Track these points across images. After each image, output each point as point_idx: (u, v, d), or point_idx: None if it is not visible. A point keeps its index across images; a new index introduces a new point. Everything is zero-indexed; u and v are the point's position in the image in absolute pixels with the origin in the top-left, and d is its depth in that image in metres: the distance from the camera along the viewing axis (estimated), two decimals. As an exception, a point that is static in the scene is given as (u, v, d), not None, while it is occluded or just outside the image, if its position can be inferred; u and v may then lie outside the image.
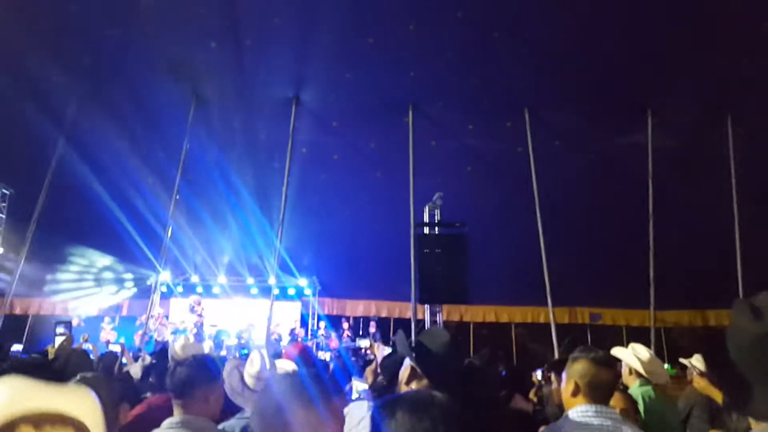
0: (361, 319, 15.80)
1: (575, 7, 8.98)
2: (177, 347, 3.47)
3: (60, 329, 7.72)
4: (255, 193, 12.64)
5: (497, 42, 9.66)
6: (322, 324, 15.13)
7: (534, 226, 10.93)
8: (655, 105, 10.81)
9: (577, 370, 2.14)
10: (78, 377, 2.25)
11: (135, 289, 15.03)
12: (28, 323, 15.09)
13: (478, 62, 10.06)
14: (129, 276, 14.81)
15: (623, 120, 11.05)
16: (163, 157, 11.71)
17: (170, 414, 2.27)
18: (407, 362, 2.18)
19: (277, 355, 3.62)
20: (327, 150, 12.06)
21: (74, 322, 12.76)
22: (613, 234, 12.12)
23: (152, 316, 12.84)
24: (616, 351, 3.64)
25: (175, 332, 12.89)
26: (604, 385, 2.09)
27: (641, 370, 3.44)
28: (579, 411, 2.07)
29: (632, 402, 2.53)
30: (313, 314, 15.88)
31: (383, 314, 15.68)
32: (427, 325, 10.76)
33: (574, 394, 2.11)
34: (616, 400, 2.53)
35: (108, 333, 13.28)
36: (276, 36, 9.61)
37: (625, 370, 3.58)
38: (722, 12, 8.81)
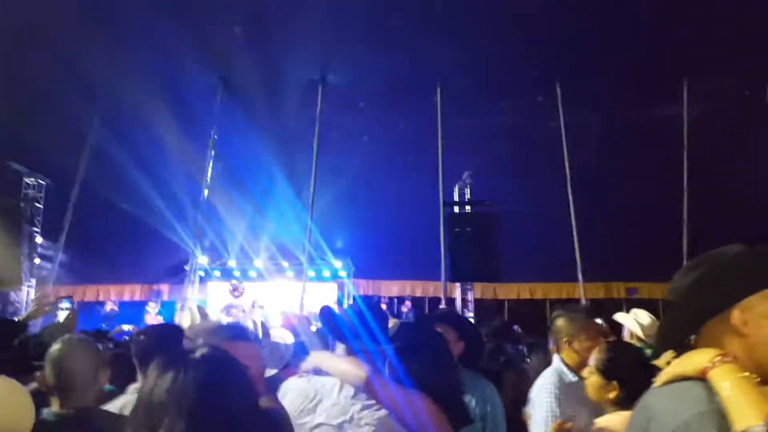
0: (396, 299, 15.85)
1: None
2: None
3: (65, 304, 7.15)
4: (287, 178, 12.71)
5: (526, 14, 9.37)
6: (364, 305, 15.21)
7: (567, 202, 10.72)
8: (691, 74, 10.38)
9: None
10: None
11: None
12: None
13: (506, 36, 9.78)
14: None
15: (658, 90, 10.66)
16: (195, 144, 11.85)
17: None
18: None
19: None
20: (355, 132, 12.02)
21: (107, 308, 13.14)
22: (648, 207, 11.78)
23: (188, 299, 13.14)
24: (618, 316, 3.86)
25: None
26: None
27: (641, 334, 3.54)
28: None
29: None
30: (349, 295, 16.00)
31: (417, 294, 15.67)
32: (458, 303, 10.72)
33: None
34: None
35: (153, 318, 13.63)
36: (300, 17, 9.54)
37: (626, 334, 3.73)
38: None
